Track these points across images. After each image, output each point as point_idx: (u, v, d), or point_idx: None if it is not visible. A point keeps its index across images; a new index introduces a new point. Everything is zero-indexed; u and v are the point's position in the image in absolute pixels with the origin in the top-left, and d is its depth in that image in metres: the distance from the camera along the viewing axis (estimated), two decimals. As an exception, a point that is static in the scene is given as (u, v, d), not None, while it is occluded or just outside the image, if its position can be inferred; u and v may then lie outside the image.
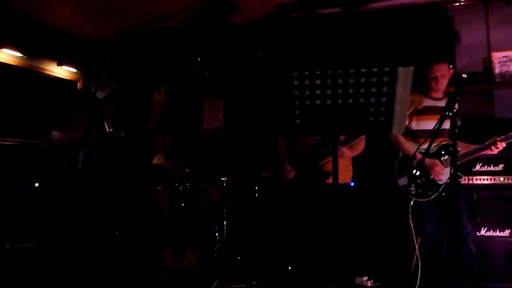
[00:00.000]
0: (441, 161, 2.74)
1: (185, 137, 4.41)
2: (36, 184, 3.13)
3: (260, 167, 3.78)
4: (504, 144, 2.62)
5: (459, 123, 2.82)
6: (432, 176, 2.73)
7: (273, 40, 4.05)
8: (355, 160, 2.87)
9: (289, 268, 3.06)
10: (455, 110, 2.11)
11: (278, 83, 2.02)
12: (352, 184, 3.03)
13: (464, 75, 2.10)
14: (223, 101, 4.85)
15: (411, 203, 2.71)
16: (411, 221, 2.69)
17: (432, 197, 2.71)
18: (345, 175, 2.82)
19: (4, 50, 3.88)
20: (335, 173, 1.99)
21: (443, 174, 2.73)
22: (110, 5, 3.91)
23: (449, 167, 2.71)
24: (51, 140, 2.59)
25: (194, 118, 4.94)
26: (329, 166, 2.63)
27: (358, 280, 3.34)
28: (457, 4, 3.79)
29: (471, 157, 2.72)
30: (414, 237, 2.79)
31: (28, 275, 2.91)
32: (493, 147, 2.61)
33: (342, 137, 2.69)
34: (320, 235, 2.82)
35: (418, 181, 2.66)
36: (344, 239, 3.09)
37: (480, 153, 2.70)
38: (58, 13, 4.09)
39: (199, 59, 2.46)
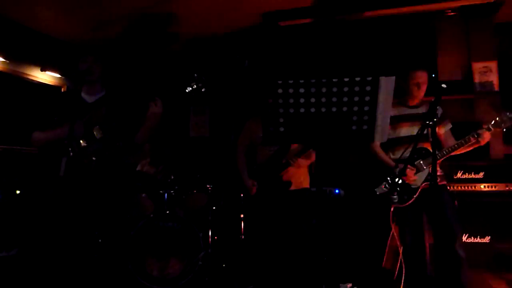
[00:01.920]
0: (413, 165, 2.76)
1: (170, 143, 4.40)
2: (17, 192, 3.07)
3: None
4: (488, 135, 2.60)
5: (450, 126, 2.85)
6: (405, 181, 2.75)
7: (259, 48, 4.09)
8: (342, 167, 2.93)
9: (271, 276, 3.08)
10: (435, 119, 2.15)
11: (262, 91, 2.04)
12: (337, 191, 3.07)
13: (444, 85, 2.15)
14: (209, 108, 4.86)
15: (392, 210, 2.74)
16: (393, 228, 2.72)
17: (409, 202, 2.74)
18: (304, 181, 2.97)
19: (-15, 55, 3.82)
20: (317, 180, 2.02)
21: (416, 178, 2.75)
22: (100, 11, 3.89)
23: (424, 171, 2.74)
24: (31, 141, 2.52)
25: (180, 124, 4.94)
26: (288, 176, 2.76)
27: (342, 287, 3.35)
28: (439, 15, 3.87)
29: (451, 152, 2.72)
30: (398, 243, 2.82)
31: (8, 284, 2.85)
32: (479, 138, 2.59)
33: (294, 146, 2.77)
34: (301, 242, 2.85)
35: (398, 188, 2.68)
36: (327, 246, 3.11)
37: (460, 151, 2.71)
38: (41, 17, 4.04)
39: (196, 75, 2.45)
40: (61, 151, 2.35)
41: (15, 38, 4.11)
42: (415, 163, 2.78)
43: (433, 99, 2.18)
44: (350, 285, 3.34)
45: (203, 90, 2.76)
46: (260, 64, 3.68)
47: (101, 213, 2.61)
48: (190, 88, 2.51)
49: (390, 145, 2.88)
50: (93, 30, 4.30)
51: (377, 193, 2.74)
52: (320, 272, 2.83)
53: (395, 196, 2.46)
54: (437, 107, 2.18)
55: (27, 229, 2.99)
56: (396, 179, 2.42)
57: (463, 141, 2.65)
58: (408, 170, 2.70)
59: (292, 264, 2.85)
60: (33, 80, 4.32)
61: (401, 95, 2.91)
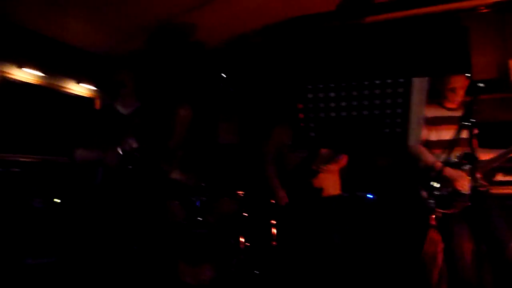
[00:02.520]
0: (465, 171, 2.64)
1: (200, 151, 4.45)
2: (56, 200, 3.18)
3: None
4: None
5: (476, 131, 2.75)
6: (456, 187, 2.63)
7: (287, 53, 4.07)
8: (376, 172, 2.87)
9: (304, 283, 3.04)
10: (473, 120, 2.08)
11: (292, 96, 2.04)
12: (369, 196, 3.01)
13: (481, 84, 2.06)
14: (238, 115, 4.88)
15: (435, 216, 2.61)
16: (435, 236, 2.60)
17: (459, 209, 2.60)
18: (335, 187, 2.91)
19: (24, 69, 3.99)
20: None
21: (468, 185, 2.63)
22: (128, 23, 4.00)
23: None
24: (75, 158, 2.61)
25: (209, 132, 4.98)
26: (319, 182, 2.72)
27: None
28: (472, 12, 3.75)
29: (497, 162, 2.62)
30: (439, 250, 2.69)
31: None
32: None
33: (324, 151, 2.73)
34: (334, 250, 2.80)
35: (438, 192, 2.58)
36: (360, 253, 3.05)
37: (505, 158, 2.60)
38: (76, 31, 4.19)
39: (223, 75, 2.48)
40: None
41: (52, 53, 4.28)
42: (463, 168, 2.66)
43: (469, 99, 2.11)
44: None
45: (231, 90, 2.79)
46: (289, 70, 3.67)
47: (136, 220, 2.66)
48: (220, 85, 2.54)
49: (430, 147, 2.77)
50: (123, 42, 4.42)
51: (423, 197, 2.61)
52: (353, 279, 2.78)
53: (432, 201, 2.38)
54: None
55: (66, 236, 3.09)
56: (438, 184, 2.33)
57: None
58: (462, 177, 2.61)
59: (325, 271, 2.81)
60: (70, 93, 4.49)
61: (439, 96, 2.81)
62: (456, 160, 2.67)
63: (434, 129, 2.79)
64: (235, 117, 4.85)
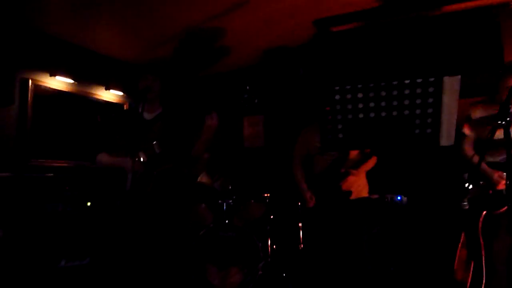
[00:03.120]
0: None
1: (226, 154, 4.48)
2: (88, 204, 3.26)
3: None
4: None
5: None
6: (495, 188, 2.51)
7: (313, 55, 4.05)
8: (406, 172, 2.80)
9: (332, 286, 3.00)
10: (508, 119, 2.00)
11: (319, 98, 2.02)
12: (399, 198, 2.95)
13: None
14: (263, 118, 4.89)
15: (481, 217, 2.48)
16: (481, 238, 2.48)
17: (503, 209, 2.48)
18: (363, 190, 2.86)
19: (57, 77, 4.14)
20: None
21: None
22: (155, 31, 4.08)
23: None
24: (96, 162, 2.67)
25: (234, 135, 5.02)
26: (348, 185, 2.67)
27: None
28: (503, 8, 3.63)
29: None
30: (482, 253, 2.58)
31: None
32: None
33: (353, 154, 2.68)
34: (363, 252, 2.75)
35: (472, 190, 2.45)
36: (391, 256, 2.99)
37: None
38: (104, 40, 4.32)
39: (248, 87, 2.49)
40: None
41: (81, 61, 4.42)
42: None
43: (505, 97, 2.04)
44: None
45: (256, 101, 2.79)
46: (315, 72, 3.64)
47: (165, 224, 2.70)
48: (245, 96, 2.54)
49: (485, 147, 2.63)
50: (150, 49, 4.51)
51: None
52: (384, 283, 2.73)
53: (465, 203, 2.30)
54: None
55: (98, 239, 3.17)
56: (471, 186, 2.26)
57: None
58: (498, 176, 2.50)
59: (354, 275, 2.77)
60: (99, 99, 4.61)
61: (485, 93, 2.68)
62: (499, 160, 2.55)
63: (485, 129, 2.64)
64: (260, 121, 4.85)
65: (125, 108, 4.88)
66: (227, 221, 3.53)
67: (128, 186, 2.41)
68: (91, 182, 3.77)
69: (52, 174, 3.63)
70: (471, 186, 2.27)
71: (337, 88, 1.90)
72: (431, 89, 1.81)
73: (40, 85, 4.02)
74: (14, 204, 3.16)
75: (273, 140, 4.75)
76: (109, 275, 2.96)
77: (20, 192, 3.34)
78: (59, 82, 4.19)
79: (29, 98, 3.91)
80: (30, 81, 3.93)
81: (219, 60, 4.78)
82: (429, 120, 1.86)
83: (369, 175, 2.78)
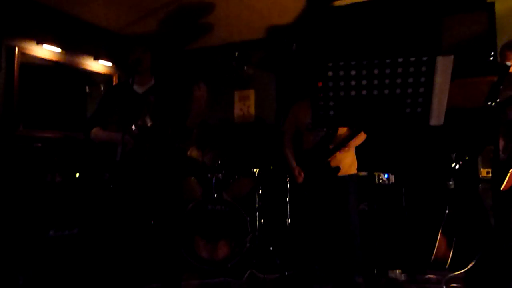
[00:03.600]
0: None
1: (216, 129, 4.47)
2: (77, 175, 3.25)
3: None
4: None
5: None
6: None
7: (307, 30, 3.99)
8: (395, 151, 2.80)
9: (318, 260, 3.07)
10: (498, 100, 2.03)
11: (312, 74, 2.02)
12: (386, 176, 2.99)
13: (509, 63, 2.01)
14: (253, 93, 4.87)
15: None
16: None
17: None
18: (352, 166, 2.86)
19: (44, 46, 4.03)
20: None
21: None
22: (145, 1, 3.98)
23: None
24: (90, 137, 2.65)
25: (225, 110, 5.00)
26: (336, 161, 2.69)
27: (391, 273, 3.29)
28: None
29: None
30: None
31: (70, 261, 3.05)
32: None
33: (342, 131, 2.70)
34: (349, 228, 2.80)
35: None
36: (377, 232, 3.06)
37: None
38: (93, 9, 4.20)
39: (236, 54, 2.44)
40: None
41: (70, 30, 4.31)
42: None
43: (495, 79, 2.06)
44: (399, 271, 3.28)
45: (245, 68, 2.77)
46: (309, 47, 3.60)
47: (153, 196, 2.71)
48: (234, 63, 2.50)
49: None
50: (140, 20, 4.41)
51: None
52: (369, 257, 2.80)
53: (451, 182, 2.36)
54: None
55: (87, 210, 3.17)
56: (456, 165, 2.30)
57: None
58: None
59: (340, 250, 2.83)
60: (87, 69, 4.52)
61: None
62: None
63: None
64: (250, 96, 4.83)
65: (114, 79, 4.81)
66: (216, 195, 3.57)
67: (118, 157, 2.40)
68: (80, 153, 3.74)
69: (40, 144, 3.58)
70: (457, 166, 2.32)
71: (330, 64, 1.89)
72: (423, 68, 1.81)
73: (27, 54, 3.92)
74: (2, 174, 3.13)
75: (263, 115, 4.75)
76: (97, 245, 2.99)
77: (8, 162, 3.30)
78: (47, 51, 4.08)
79: (15, 67, 3.81)
80: (16, 48, 3.82)
81: (209, 34, 4.70)
82: (420, 100, 1.87)
83: (358, 152, 2.80)
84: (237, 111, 5.00)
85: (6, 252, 2.81)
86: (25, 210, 3.04)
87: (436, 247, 3.10)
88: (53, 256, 2.98)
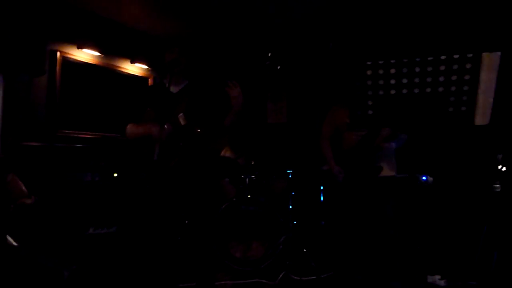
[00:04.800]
0: None
1: (249, 130, 4.48)
2: (115, 174, 3.34)
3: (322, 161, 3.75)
4: None
5: None
6: None
7: (343, 29, 3.92)
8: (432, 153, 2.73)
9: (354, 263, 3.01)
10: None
11: (350, 73, 1.98)
12: (424, 178, 2.90)
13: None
14: (286, 94, 4.85)
15: None
16: None
17: None
18: (391, 167, 2.78)
19: (84, 50, 4.18)
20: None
21: None
22: (178, 2, 4.03)
23: None
24: (126, 134, 2.71)
25: (258, 111, 5.00)
26: (375, 161, 2.62)
27: (430, 278, 3.18)
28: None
29: None
30: None
31: (108, 258, 3.13)
32: None
33: (384, 130, 2.61)
34: (388, 230, 2.74)
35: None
36: (416, 235, 2.96)
37: None
38: (130, 13, 4.30)
39: (269, 54, 2.44)
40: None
41: (108, 34, 4.44)
42: None
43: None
44: (439, 276, 3.17)
45: (278, 67, 2.75)
46: (346, 46, 3.54)
47: (189, 196, 2.74)
48: (267, 63, 2.50)
49: None
50: (175, 22, 4.48)
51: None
52: (406, 261, 2.72)
53: (497, 185, 2.25)
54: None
55: (125, 209, 3.24)
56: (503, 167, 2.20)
57: None
58: None
59: (377, 252, 2.77)
60: (124, 72, 4.65)
61: None
62: None
63: None
64: (283, 97, 4.80)
65: (149, 81, 4.91)
66: (249, 196, 3.57)
67: (155, 157, 2.44)
68: (118, 153, 3.85)
69: (80, 145, 3.71)
70: (504, 168, 2.21)
71: (369, 63, 1.86)
72: (468, 66, 1.75)
73: (68, 57, 4.07)
74: (45, 173, 3.26)
75: (296, 116, 4.71)
76: (135, 243, 3.05)
77: (50, 161, 3.43)
78: (86, 55, 4.23)
79: (57, 70, 3.97)
80: (58, 53, 3.98)
81: (243, 33, 4.70)
82: (464, 98, 1.80)
83: (398, 153, 2.73)
84: (270, 112, 4.99)
85: (51, 248, 2.92)
86: (66, 208, 3.15)
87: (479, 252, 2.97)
88: (93, 252, 3.07)
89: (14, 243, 2.52)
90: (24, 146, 3.46)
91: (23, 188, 3.06)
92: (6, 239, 2.52)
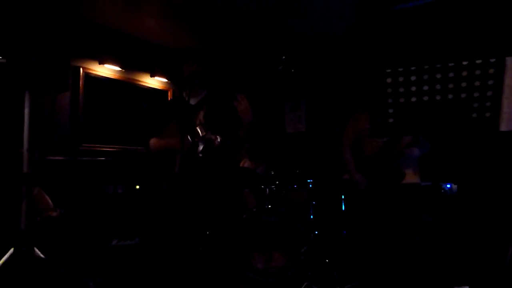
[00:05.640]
0: None
1: (268, 140, 4.49)
2: (137, 187, 3.39)
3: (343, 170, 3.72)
4: None
5: None
6: None
7: (363, 37, 3.90)
8: (456, 160, 2.69)
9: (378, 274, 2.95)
10: None
11: (369, 81, 1.97)
12: (448, 186, 2.84)
13: None
14: (305, 103, 4.84)
15: None
16: None
17: None
18: (414, 175, 2.73)
19: (105, 65, 4.28)
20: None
21: None
22: (196, 15, 4.10)
23: None
24: (149, 147, 2.76)
25: (276, 121, 5.01)
26: (397, 169, 2.57)
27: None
28: None
29: None
30: None
31: (132, 270, 3.17)
32: None
33: (405, 137, 2.57)
34: (411, 239, 2.68)
35: None
36: (441, 244, 2.89)
37: None
38: (149, 27, 4.40)
39: (283, 57, 2.45)
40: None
41: (128, 49, 4.54)
42: None
43: None
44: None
45: (292, 71, 2.74)
46: (365, 54, 3.52)
47: (209, 206, 2.75)
48: (280, 68, 2.49)
49: None
50: (193, 35, 4.55)
51: None
52: (432, 272, 2.66)
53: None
54: None
55: (147, 220, 3.29)
56: None
57: None
58: None
59: (401, 262, 2.71)
60: (144, 86, 4.74)
61: None
62: None
63: None
64: (302, 106, 4.80)
65: (169, 94, 4.99)
66: (269, 206, 3.56)
67: (176, 168, 2.47)
68: (140, 165, 3.90)
69: (103, 158, 3.78)
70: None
71: (388, 70, 1.84)
72: (491, 70, 1.71)
73: (90, 73, 4.18)
74: (69, 186, 3.33)
75: (315, 124, 4.69)
76: (157, 255, 3.07)
77: (74, 174, 3.51)
78: (108, 70, 4.34)
79: (80, 85, 4.09)
80: (81, 69, 4.09)
81: (259, 43, 4.73)
82: (488, 104, 1.76)
83: (421, 160, 2.68)
84: (288, 122, 4.99)
85: (76, 260, 2.98)
86: (90, 220, 3.21)
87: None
88: (116, 264, 3.11)
89: (42, 256, 2.58)
90: (49, 161, 3.55)
91: (49, 201, 3.14)
92: (34, 251, 2.57)
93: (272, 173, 3.69)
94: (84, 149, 4.04)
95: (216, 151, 2.66)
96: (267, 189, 3.62)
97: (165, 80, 4.91)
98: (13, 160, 2.87)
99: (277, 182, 3.66)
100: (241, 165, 4.10)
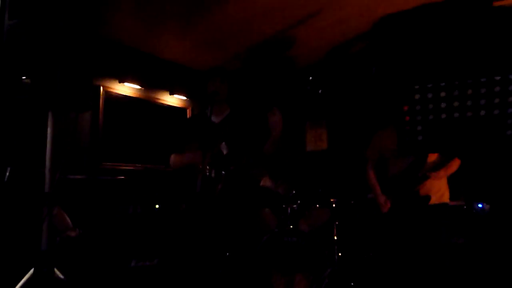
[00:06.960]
0: None
1: (288, 158, 4.42)
2: (157, 206, 3.36)
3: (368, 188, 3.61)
4: None
5: None
6: None
7: (388, 52, 3.83)
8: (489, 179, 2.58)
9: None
10: None
11: (396, 98, 1.91)
12: (480, 205, 2.71)
13: None
14: (325, 121, 4.77)
15: None
16: None
17: None
18: (444, 195, 2.64)
19: (125, 84, 4.33)
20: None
21: None
22: (217, 36, 4.13)
23: None
24: (170, 164, 2.73)
25: (296, 140, 4.94)
26: (426, 189, 2.47)
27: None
28: None
29: None
30: None
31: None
32: None
33: (432, 158, 2.47)
34: (440, 261, 2.55)
35: None
36: (471, 267, 2.75)
37: None
38: (169, 46, 4.44)
39: (310, 78, 2.42)
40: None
41: (148, 68, 4.59)
42: None
43: None
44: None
45: (320, 91, 2.70)
46: (392, 70, 3.45)
47: (230, 227, 2.70)
48: (308, 88, 2.46)
49: None
50: (214, 54, 4.57)
51: None
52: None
53: None
54: None
55: (166, 241, 3.24)
56: None
57: None
58: None
59: (429, 285, 2.58)
60: (164, 104, 4.76)
61: None
62: None
63: None
64: (323, 124, 4.73)
65: (188, 112, 5.00)
66: (291, 226, 3.47)
67: (198, 188, 2.43)
68: (160, 184, 3.88)
69: (123, 177, 3.78)
70: None
71: (417, 87, 1.78)
72: (525, 86, 1.64)
73: (110, 91, 4.23)
74: (88, 205, 3.32)
75: (337, 143, 4.61)
76: (176, 276, 3.01)
77: (94, 194, 3.51)
78: (128, 88, 4.38)
79: (100, 104, 4.13)
80: (101, 88, 4.14)
81: (286, 62, 4.72)
82: (523, 120, 1.68)
83: (451, 179, 2.57)
84: (309, 140, 4.92)
85: (96, 281, 2.94)
86: (109, 240, 3.18)
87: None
88: (135, 285, 3.06)
89: (62, 276, 2.55)
90: (69, 180, 3.57)
91: (68, 221, 3.13)
92: (54, 272, 2.55)
93: (294, 192, 3.61)
94: (104, 167, 4.05)
95: (239, 171, 2.62)
96: (289, 209, 3.54)
97: (184, 98, 4.93)
98: (35, 180, 2.89)
99: (298, 202, 3.57)
100: (261, 184, 4.04)
